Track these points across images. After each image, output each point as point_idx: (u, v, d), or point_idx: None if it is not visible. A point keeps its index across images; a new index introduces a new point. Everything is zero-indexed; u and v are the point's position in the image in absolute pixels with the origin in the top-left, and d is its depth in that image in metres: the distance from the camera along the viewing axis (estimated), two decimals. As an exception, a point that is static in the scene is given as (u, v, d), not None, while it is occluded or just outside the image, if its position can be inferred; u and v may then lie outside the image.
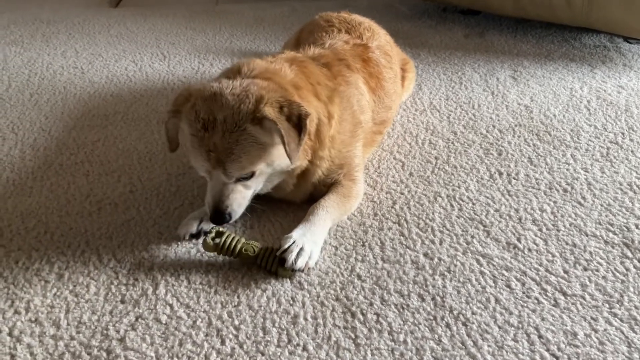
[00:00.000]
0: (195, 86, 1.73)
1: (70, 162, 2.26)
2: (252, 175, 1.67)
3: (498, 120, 2.49)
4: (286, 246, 1.62)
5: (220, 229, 1.69)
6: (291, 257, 1.60)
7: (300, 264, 1.60)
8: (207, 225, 1.78)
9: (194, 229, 1.78)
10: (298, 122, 1.62)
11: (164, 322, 1.49)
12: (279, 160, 1.69)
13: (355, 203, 1.90)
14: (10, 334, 1.47)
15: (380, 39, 2.45)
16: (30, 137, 2.46)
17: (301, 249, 1.62)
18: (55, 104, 2.78)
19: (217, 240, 1.65)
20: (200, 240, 1.76)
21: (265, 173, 1.71)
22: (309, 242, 1.65)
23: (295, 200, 1.90)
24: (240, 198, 1.69)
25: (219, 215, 1.67)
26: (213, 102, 1.63)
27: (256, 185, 1.72)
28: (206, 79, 3.04)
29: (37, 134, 2.49)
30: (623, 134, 2.34)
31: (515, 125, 2.44)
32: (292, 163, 1.67)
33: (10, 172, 2.19)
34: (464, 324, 1.45)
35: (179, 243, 1.77)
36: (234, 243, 1.64)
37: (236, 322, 1.48)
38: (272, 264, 1.62)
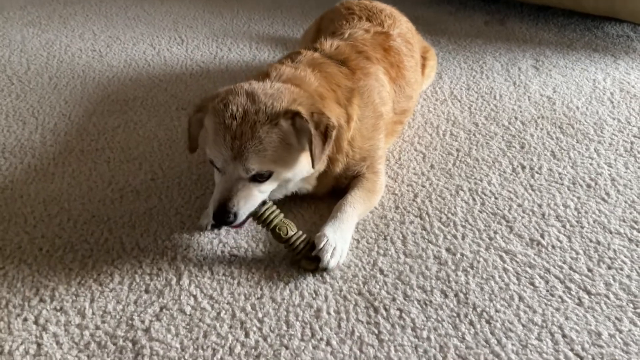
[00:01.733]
0: (223, 88, 1.72)
1: (91, 148, 2.26)
2: (268, 176, 1.62)
3: (520, 111, 2.47)
4: (322, 245, 1.61)
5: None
6: (327, 257, 1.60)
7: (333, 263, 1.60)
8: None
9: None
10: (325, 132, 1.62)
11: (188, 313, 1.50)
12: (298, 167, 1.67)
13: (378, 197, 1.90)
14: (36, 322, 1.48)
15: (401, 26, 2.43)
16: (51, 121, 2.47)
17: (334, 248, 1.62)
18: (75, 87, 2.78)
19: (258, 208, 1.65)
20: (222, 231, 1.77)
21: (280, 179, 1.67)
22: (339, 240, 1.65)
23: (316, 194, 1.89)
24: (249, 198, 1.62)
25: (223, 212, 1.58)
26: (245, 97, 1.63)
27: (268, 190, 1.67)
28: (224, 64, 3.03)
29: (58, 118, 2.49)
30: (647, 128, 2.31)
31: (538, 117, 2.41)
32: (314, 168, 1.66)
33: (32, 157, 2.20)
34: (488, 322, 1.45)
35: (201, 233, 1.78)
36: (272, 217, 1.64)
37: (260, 315, 1.49)
38: (299, 254, 1.63)
